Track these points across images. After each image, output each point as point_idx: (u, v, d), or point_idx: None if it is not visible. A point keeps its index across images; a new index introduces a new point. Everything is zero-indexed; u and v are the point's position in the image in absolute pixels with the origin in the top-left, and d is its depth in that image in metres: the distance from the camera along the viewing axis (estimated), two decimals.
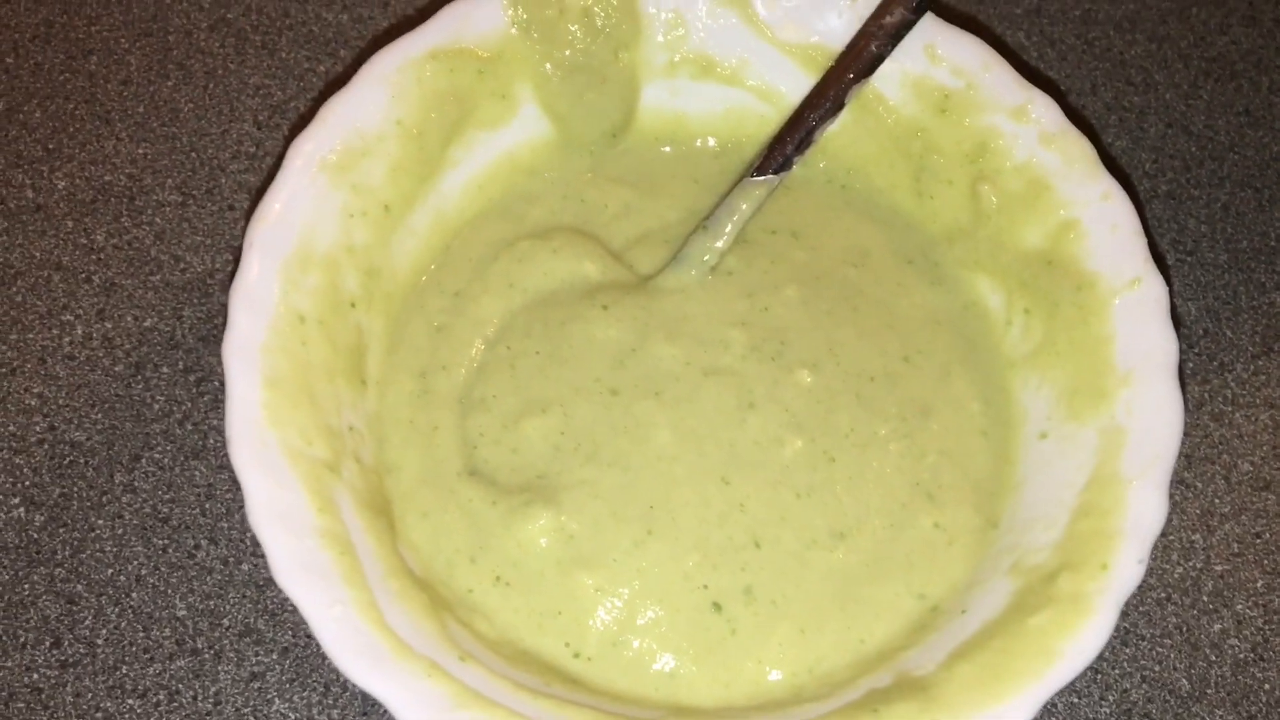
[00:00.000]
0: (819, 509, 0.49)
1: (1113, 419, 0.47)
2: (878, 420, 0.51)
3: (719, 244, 0.54)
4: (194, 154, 0.62)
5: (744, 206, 0.54)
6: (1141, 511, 0.45)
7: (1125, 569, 0.43)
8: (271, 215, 0.48)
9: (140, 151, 0.62)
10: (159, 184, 0.62)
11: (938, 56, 0.53)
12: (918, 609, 0.48)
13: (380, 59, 0.51)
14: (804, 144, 0.53)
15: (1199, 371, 0.58)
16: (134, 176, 0.62)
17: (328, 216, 0.50)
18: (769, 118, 0.57)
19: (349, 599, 0.43)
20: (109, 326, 0.58)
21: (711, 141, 0.58)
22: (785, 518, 0.49)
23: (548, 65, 0.54)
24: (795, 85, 0.56)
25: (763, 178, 0.53)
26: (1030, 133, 0.51)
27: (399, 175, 0.52)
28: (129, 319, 0.58)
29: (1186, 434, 0.57)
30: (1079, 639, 0.42)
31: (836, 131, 0.56)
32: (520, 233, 0.55)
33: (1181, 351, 0.58)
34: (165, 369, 0.57)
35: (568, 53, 0.54)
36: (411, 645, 0.42)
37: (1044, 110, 0.51)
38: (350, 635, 0.42)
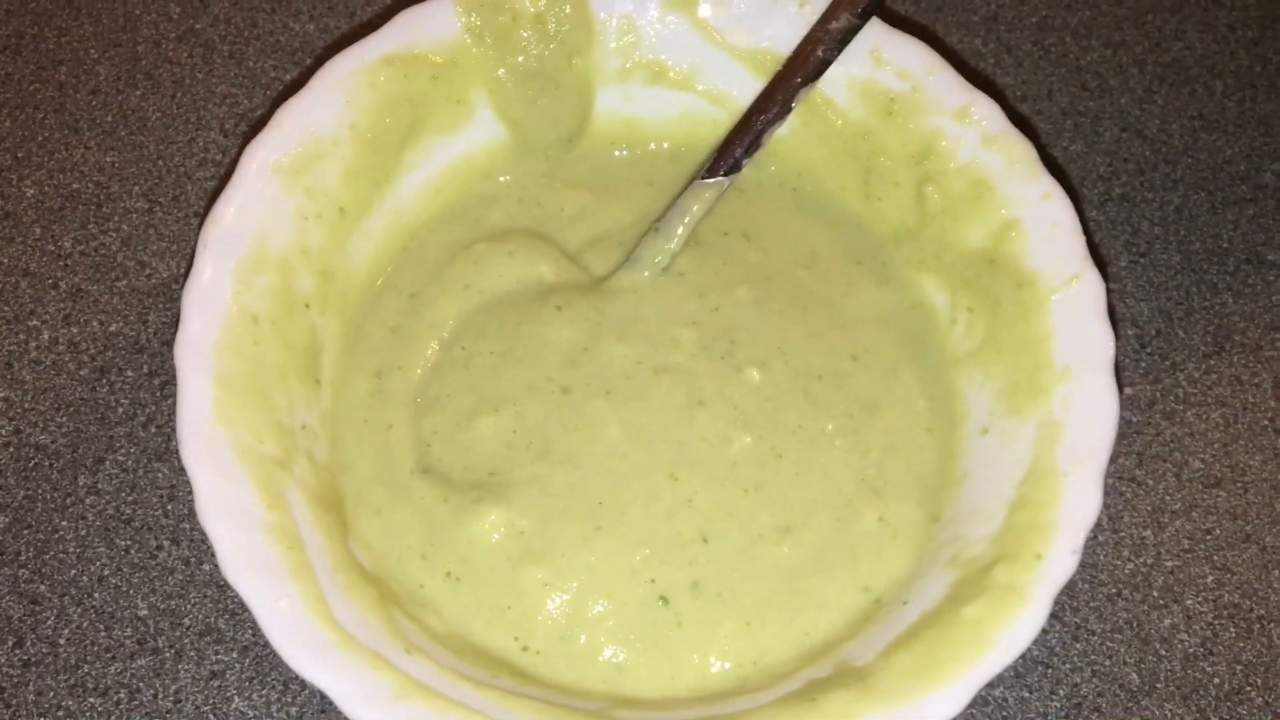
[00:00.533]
0: (766, 504, 0.50)
1: (1050, 413, 0.48)
2: (825, 417, 0.52)
3: (670, 245, 0.54)
4: (161, 162, 0.63)
5: (695, 208, 0.54)
6: (1076, 503, 0.45)
7: (1059, 559, 0.44)
8: (225, 217, 0.49)
9: (108, 159, 0.63)
10: (126, 191, 0.62)
11: (883, 60, 0.54)
12: (861, 601, 0.48)
13: (335, 64, 0.52)
14: (753, 146, 0.54)
15: (1151, 371, 0.59)
16: (101, 184, 0.63)
17: (282, 219, 0.50)
18: (721, 121, 0.58)
19: (295, 592, 0.43)
20: (75, 331, 0.59)
21: (665, 145, 0.59)
22: (732, 513, 0.50)
23: (501, 71, 0.55)
24: (745, 89, 0.57)
25: (713, 180, 0.54)
26: (973, 134, 0.52)
27: (353, 179, 0.53)
28: (95, 324, 0.59)
29: (1138, 432, 0.58)
30: (1012, 628, 0.43)
31: (786, 135, 0.57)
32: (477, 235, 0.56)
33: (1134, 351, 0.59)
34: (130, 373, 0.58)
35: (521, 59, 0.55)
36: (357, 638, 0.43)
37: (986, 112, 0.52)
38: (295, 628, 0.42)
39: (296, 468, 0.47)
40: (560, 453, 0.50)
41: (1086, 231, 0.51)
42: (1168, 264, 0.62)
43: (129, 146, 0.64)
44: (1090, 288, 0.49)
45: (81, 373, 0.58)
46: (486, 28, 0.54)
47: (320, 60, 0.54)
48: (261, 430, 0.47)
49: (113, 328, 0.59)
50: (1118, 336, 0.58)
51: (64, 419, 0.57)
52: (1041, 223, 0.51)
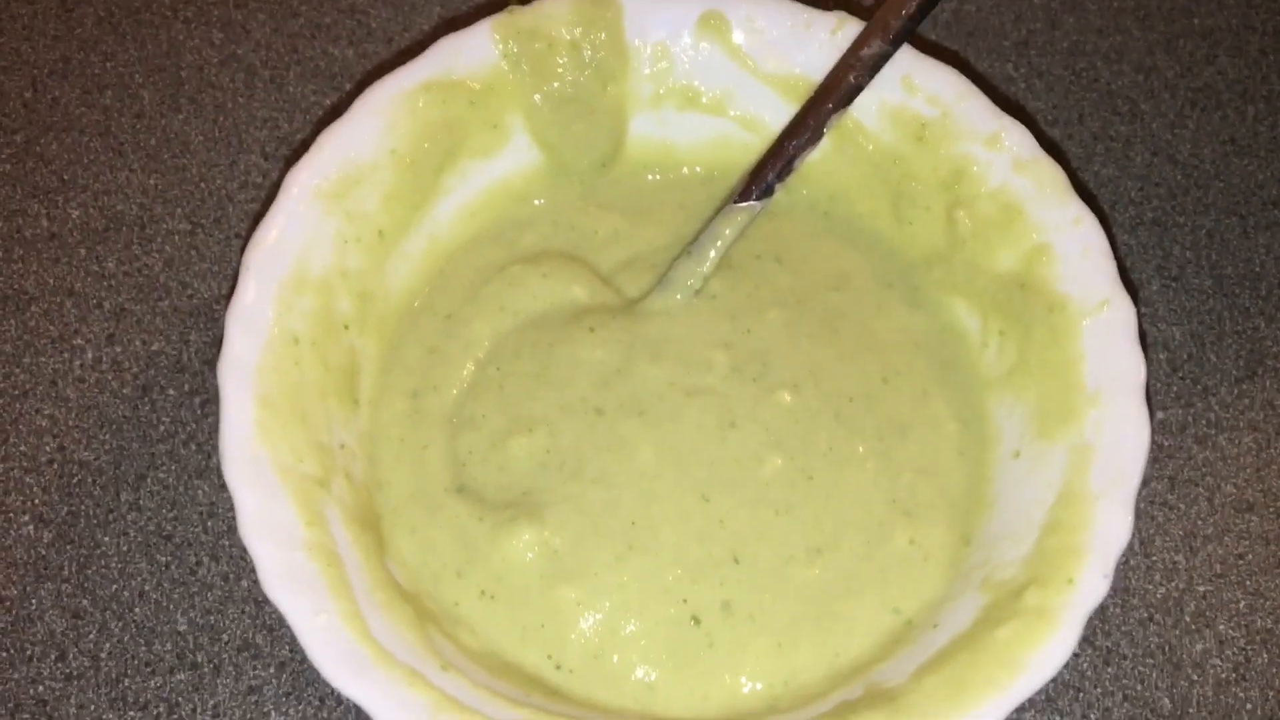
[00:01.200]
0: (797, 525, 0.50)
1: (1081, 437, 0.48)
2: (856, 439, 0.52)
3: (703, 268, 0.55)
4: (203, 184, 0.64)
5: (727, 232, 0.55)
6: (1106, 527, 0.45)
7: (1090, 583, 0.44)
8: (268, 240, 0.50)
9: (151, 182, 0.64)
10: (169, 213, 0.64)
11: (914, 86, 0.54)
12: (892, 623, 0.49)
13: (375, 91, 0.53)
14: (785, 171, 0.55)
15: (1183, 395, 0.59)
16: (145, 206, 0.64)
17: (323, 242, 0.51)
18: (753, 146, 0.58)
19: (334, 609, 0.44)
20: (118, 350, 0.60)
21: (698, 169, 0.59)
22: (764, 534, 0.50)
23: (537, 97, 0.56)
24: (777, 115, 0.57)
25: (745, 204, 0.55)
26: (1004, 160, 0.53)
27: (393, 202, 0.54)
28: (137, 343, 0.60)
29: (1170, 456, 0.57)
30: (1043, 651, 0.43)
31: (818, 159, 0.57)
32: (512, 257, 0.57)
33: (1165, 375, 0.59)
34: (171, 391, 0.59)
35: (556, 85, 0.56)
36: (394, 654, 0.44)
37: (1017, 138, 0.52)
38: (334, 643, 0.43)
39: (335, 486, 0.48)
40: (593, 473, 0.51)
41: (1117, 256, 0.51)
42: (1200, 288, 0.62)
43: (172, 169, 0.65)
44: (1121, 312, 0.49)
45: (124, 391, 0.59)
46: (523, 55, 0.55)
47: (361, 86, 0.55)
48: (301, 449, 0.47)
49: (155, 347, 0.60)
50: (1149, 361, 0.58)
51: (107, 436, 0.58)
52: (1072, 247, 0.51)
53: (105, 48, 0.68)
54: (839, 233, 0.57)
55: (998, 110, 0.53)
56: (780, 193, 0.57)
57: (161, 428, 0.58)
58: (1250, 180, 0.65)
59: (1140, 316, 0.58)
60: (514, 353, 0.54)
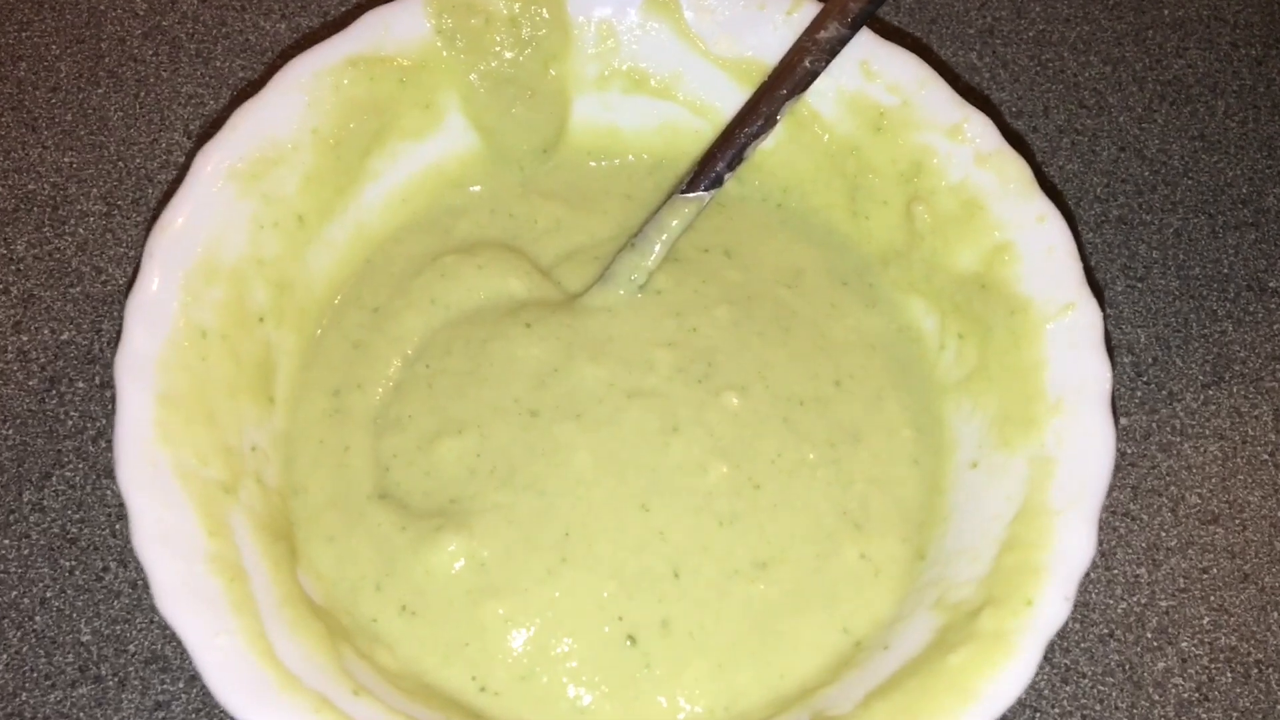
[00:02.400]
0: (742, 537, 0.47)
1: (1042, 448, 0.45)
2: (806, 446, 0.49)
3: (648, 262, 0.52)
4: (121, 163, 0.61)
5: (674, 223, 0.52)
6: (1068, 546, 0.43)
7: (1050, 606, 0.42)
8: (174, 225, 0.47)
9: (66, 160, 0.61)
10: (84, 193, 0.60)
11: (873, 73, 0.52)
12: (840, 644, 0.46)
13: (296, 65, 0.50)
14: (736, 160, 0.52)
15: (1147, 400, 0.57)
16: (58, 185, 0.60)
17: (236, 227, 0.48)
18: (703, 132, 0.56)
19: (236, 628, 0.41)
20: (25, 339, 0.57)
21: (645, 156, 0.56)
22: (706, 547, 0.47)
23: (473, 76, 0.53)
24: (729, 100, 0.55)
25: (693, 194, 0.52)
26: (966, 152, 0.50)
27: (314, 185, 0.51)
28: (46, 332, 0.57)
29: (1133, 465, 0.55)
30: (999, 680, 0.41)
31: (771, 149, 0.55)
32: (445, 248, 0.54)
33: (1130, 380, 0.57)
34: (81, 384, 0.56)
35: (494, 64, 0.53)
36: (301, 678, 0.41)
37: (980, 129, 0.50)
38: (235, 667, 0.40)
39: (243, 492, 0.45)
40: (526, 479, 0.48)
41: (1083, 257, 0.49)
42: (1166, 289, 0.60)
43: (88, 147, 0.61)
44: (1086, 316, 0.47)
45: (30, 383, 0.55)
46: (458, 30, 0.52)
47: (281, 60, 0.51)
48: (206, 452, 0.44)
49: (64, 336, 0.57)
50: (1113, 365, 0.56)
51: (10, 431, 0.54)
52: (1036, 246, 0.48)
53: (20, 16, 0.65)
54: (792, 227, 0.55)
55: (960, 99, 0.51)
56: (730, 183, 0.54)
57: (69, 423, 0.55)
58: (1220, 178, 0.63)
59: (1105, 318, 0.56)
60: (445, 349, 0.51)
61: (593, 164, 0.56)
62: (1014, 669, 0.41)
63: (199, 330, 0.46)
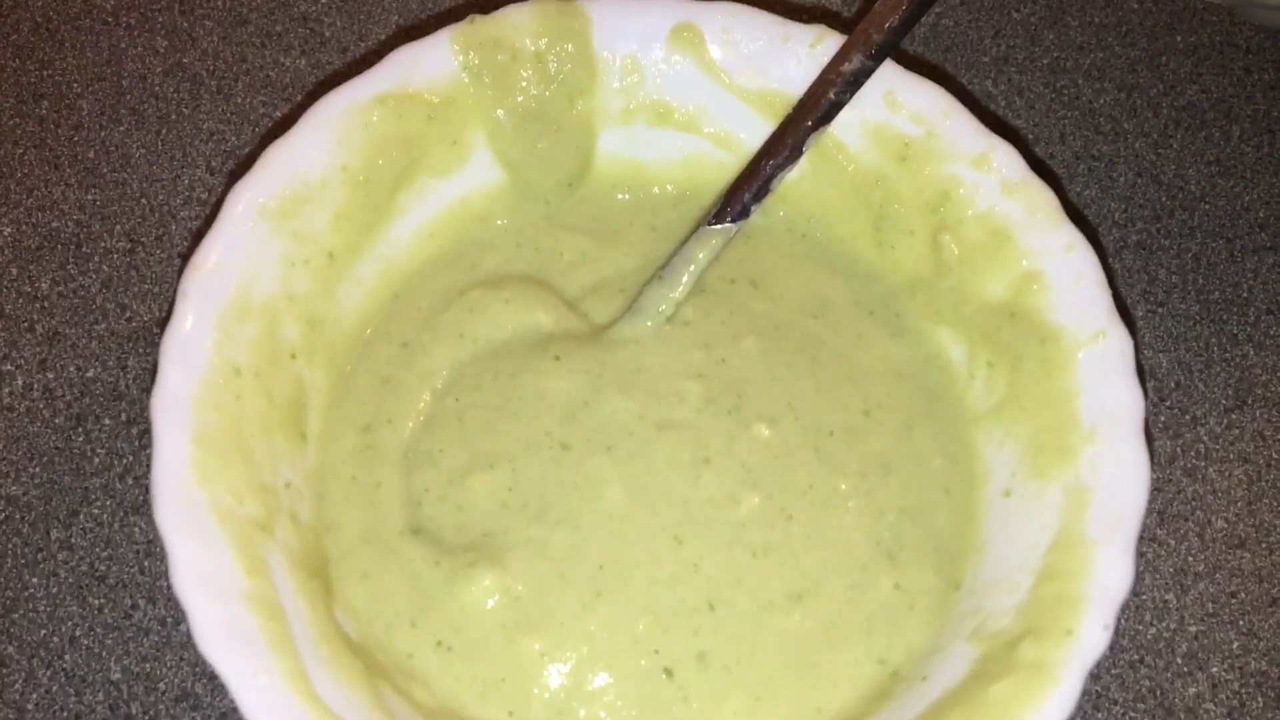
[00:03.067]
0: (776, 569, 0.47)
1: (1077, 477, 0.45)
2: (837, 476, 0.49)
3: (675, 293, 0.52)
4: (144, 200, 0.61)
5: (700, 255, 0.52)
6: (1107, 575, 0.43)
7: (1090, 635, 0.42)
8: (208, 263, 0.47)
9: (89, 197, 0.61)
10: (107, 230, 0.60)
11: (897, 104, 0.52)
12: (877, 675, 0.46)
13: (325, 103, 0.50)
14: (762, 192, 0.52)
15: (1171, 425, 0.57)
16: (82, 223, 0.60)
17: (268, 265, 0.48)
18: (728, 164, 0.56)
19: (276, 667, 0.41)
20: (50, 377, 0.56)
21: (670, 188, 0.56)
22: (740, 579, 0.47)
23: (500, 112, 0.53)
24: (753, 132, 0.55)
25: (720, 226, 0.52)
26: (992, 182, 0.50)
27: (344, 223, 0.51)
28: (71, 369, 0.57)
29: (1158, 489, 0.55)
30: (1042, 710, 0.41)
31: (796, 179, 0.55)
32: (472, 281, 0.54)
33: (1153, 405, 0.57)
34: (107, 421, 0.56)
35: (520, 99, 0.53)
36: (341, 716, 0.41)
37: (1005, 159, 0.50)
38: (275, 706, 0.40)
39: (279, 530, 0.45)
40: (558, 513, 0.48)
41: (1112, 284, 0.49)
42: (1186, 314, 0.60)
43: (111, 184, 0.61)
44: (1117, 344, 0.47)
45: (56, 420, 0.55)
46: (485, 67, 0.52)
47: (311, 98, 0.52)
48: (242, 490, 0.44)
49: (90, 374, 0.57)
50: None
51: (37, 469, 0.54)
52: (1065, 275, 0.49)
53: (42, 55, 0.65)
54: (817, 257, 0.55)
55: (985, 129, 0.51)
56: (756, 214, 0.54)
57: (96, 460, 0.55)
58: (1236, 202, 0.63)
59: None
60: (474, 384, 0.51)
61: (618, 196, 0.56)
62: (1056, 700, 0.41)
63: (233, 368, 0.46)
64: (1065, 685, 0.41)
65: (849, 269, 0.55)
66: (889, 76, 0.52)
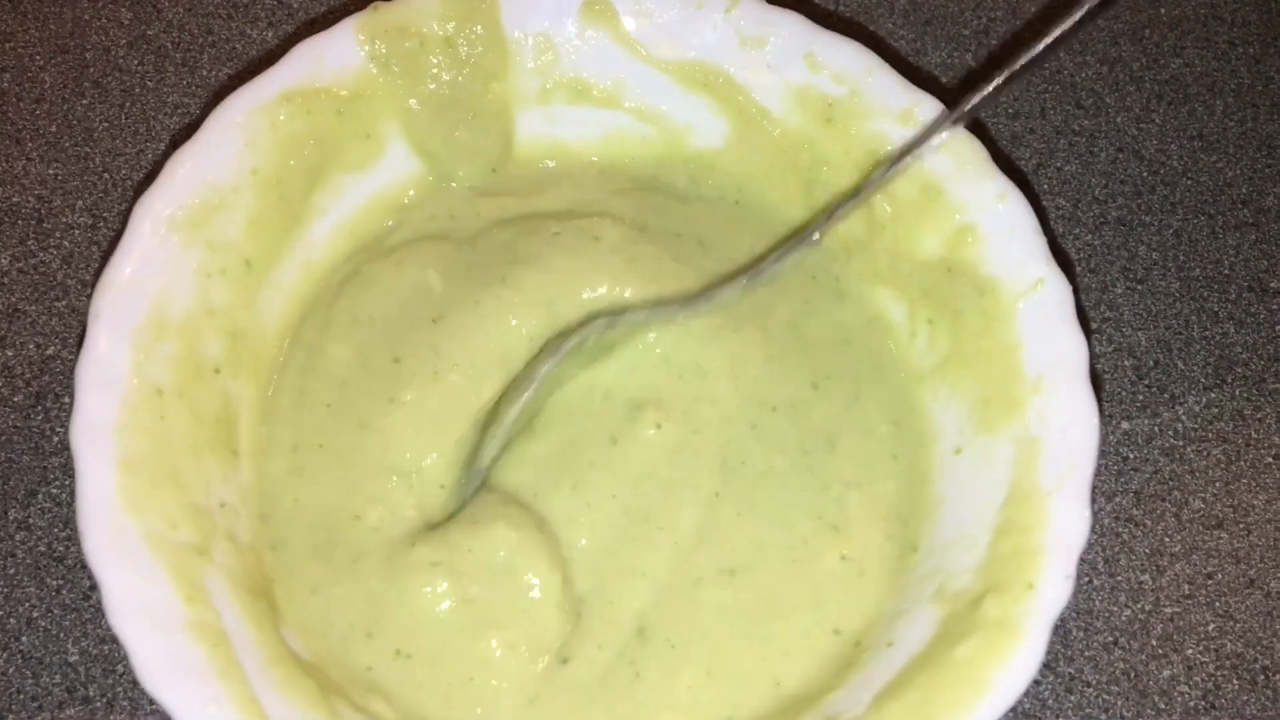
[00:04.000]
0: (705, 548, 0.46)
1: (1026, 429, 0.45)
2: (775, 453, 0.48)
3: (691, 322, 0.50)
4: (107, 175, 0.59)
5: (724, 299, 0.50)
6: (1063, 525, 0.42)
7: (1052, 587, 0.41)
8: (118, 282, 0.45)
9: (50, 172, 0.59)
10: (68, 205, 0.58)
11: (818, 64, 0.51)
12: (836, 645, 0.45)
13: (228, 105, 0.48)
14: (784, 252, 0.51)
15: (1149, 404, 0.56)
16: (43, 198, 0.58)
17: (182, 278, 0.46)
18: (650, 138, 0.55)
19: (224, 695, 0.39)
20: (9, 354, 0.55)
21: (594, 159, 0.55)
22: (670, 556, 0.46)
23: (413, 101, 0.52)
24: (674, 103, 0.54)
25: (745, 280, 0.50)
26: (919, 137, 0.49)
27: (259, 228, 0.49)
28: (30, 347, 0.55)
29: (1135, 469, 0.55)
30: (1010, 667, 0.40)
31: (721, 148, 0.54)
32: (373, 259, 0.52)
33: (1131, 383, 0.56)
34: (67, 399, 0.54)
35: (432, 86, 0.52)
36: None
37: (930, 112, 0.50)
38: None
39: (216, 553, 0.43)
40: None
41: (1047, 231, 0.48)
42: (1166, 291, 0.59)
43: (73, 158, 0.59)
44: (1056, 291, 0.46)
45: (15, 399, 0.54)
46: (393, 55, 0.50)
47: (212, 101, 0.50)
48: (174, 515, 0.43)
49: (50, 351, 0.55)
50: (1114, 367, 0.56)
51: None
52: (999, 226, 0.48)
53: (3, 26, 0.63)
54: (754, 223, 0.54)
55: (909, 84, 0.50)
56: (684, 180, 0.54)
57: (55, 439, 0.53)
58: (1219, 178, 0.62)
59: (1104, 320, 0.56)
60: (373, 375, 0.49)
61: (545, 164, 0.55)
62: (1023, 655, 0.40)
63: (154, 389, 0.44)
64: (1031, 640, 0.41)
65: (784, 234, 0.54)
66: (807, 37, 0.51)
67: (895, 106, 0.50)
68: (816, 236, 0.50)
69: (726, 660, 0.45)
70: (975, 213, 0.49)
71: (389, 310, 0.50)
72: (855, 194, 0.50)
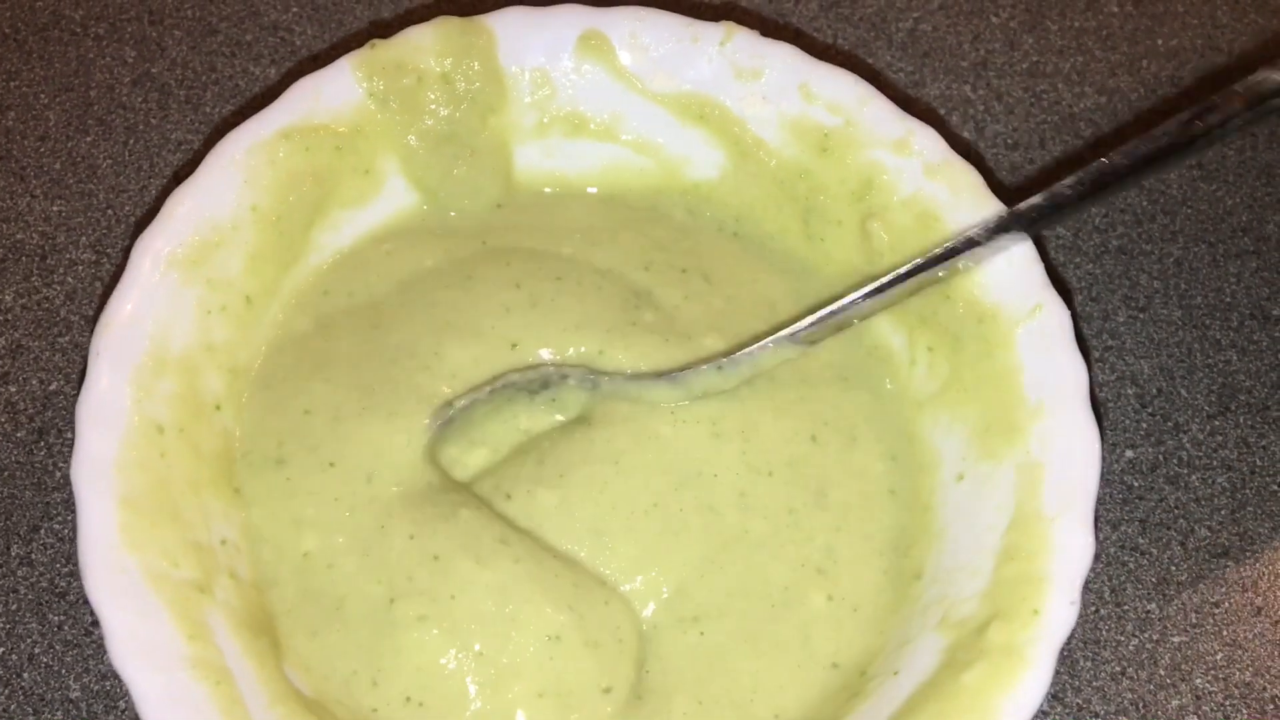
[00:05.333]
0: (680, 600, 0.46)
1: (1028, 454, 0.45)
2: (756, 519, 0.48)
3: (725, 385, 0.49)
4: (110, 211, 0.60)
5: (766, 363, 0.49)
6: (1068, 550, 0.42)
7: (1057, 613, 0.41)
8: (118, 320, 0.45)
9: (55, 209, 0.60)
10: (72, 242, 0.59)
11: (812, 94, 0.51)
12: (836, 677, 0.45)
13: (228, 143, 0.48)
14: (843, 323, 0.49)
15: (1153, 432, 0.56)
16: (47, 235, 0.59)
17: (182, 315, 0.47)
18: (647, 169, 0.55)
19: None
20: (13, 390, 0.55)
21: (593, 190, 0.55)
22: (638, 585, 0.46)
23: (411, 137, 0.52)
24: (671, 135, 0.54)
25: (793, 342, 0.49)
26: (914, 165, 0.50)
27: (259, 264, 0.49)
28: (34, 382, 0.55)
29: (1140, 498, 0.54)
30: (1017, 694, 0.40)
31: (718, 179, 0.54)
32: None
33: (1134, 411, 0.56)
34: (70, 435, 0.54)
35: (430, 122, 0.52)
36: None
37: (926, 141, 0.50)
38: None
39: (218, 590, 0.43)
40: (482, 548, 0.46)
41: (1044, 256, 0.48)
42: (1168, 319, 0.59)
43: (77, 195, 0.60)
44: (1055, 316, 0.46)
45: (18, 434, 0.54)
46: (390, 92, 0.51)
47: (212, 139, 0.50)
48: (175, 552, 0.42)
49: (53, 387, 0.55)
50: (1117, 395, 0.56)
51: None
52: (996, 252, 0.48)
53: (9, 65, 0.63)
54: (753, 254, 0.54)
55: (902, 113, 0.51)
56: (681, 212, 0.54)
57: (58, 474, 0.53)
58: (1219, 206, 0.62)
59: (1106, 349, 0.56)
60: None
61: (544, 190, 0.55)
62: (1030, 682, 0.40)
63: (155, 426, 0.44)
64: (1037, 666, 0.40)
65: (784, 265, 0.54)
66: (801, 68, 0.52)
67: (890, 135, 0.50)
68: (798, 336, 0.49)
69: (715, 693, 0.45)
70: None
71: (378, 293, 0.51)
72: (880, 296, 0.48)
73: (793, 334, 0.49)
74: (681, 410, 0.49)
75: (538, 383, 0.49)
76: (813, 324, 0.48)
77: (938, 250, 0.47)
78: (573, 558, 0.46)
